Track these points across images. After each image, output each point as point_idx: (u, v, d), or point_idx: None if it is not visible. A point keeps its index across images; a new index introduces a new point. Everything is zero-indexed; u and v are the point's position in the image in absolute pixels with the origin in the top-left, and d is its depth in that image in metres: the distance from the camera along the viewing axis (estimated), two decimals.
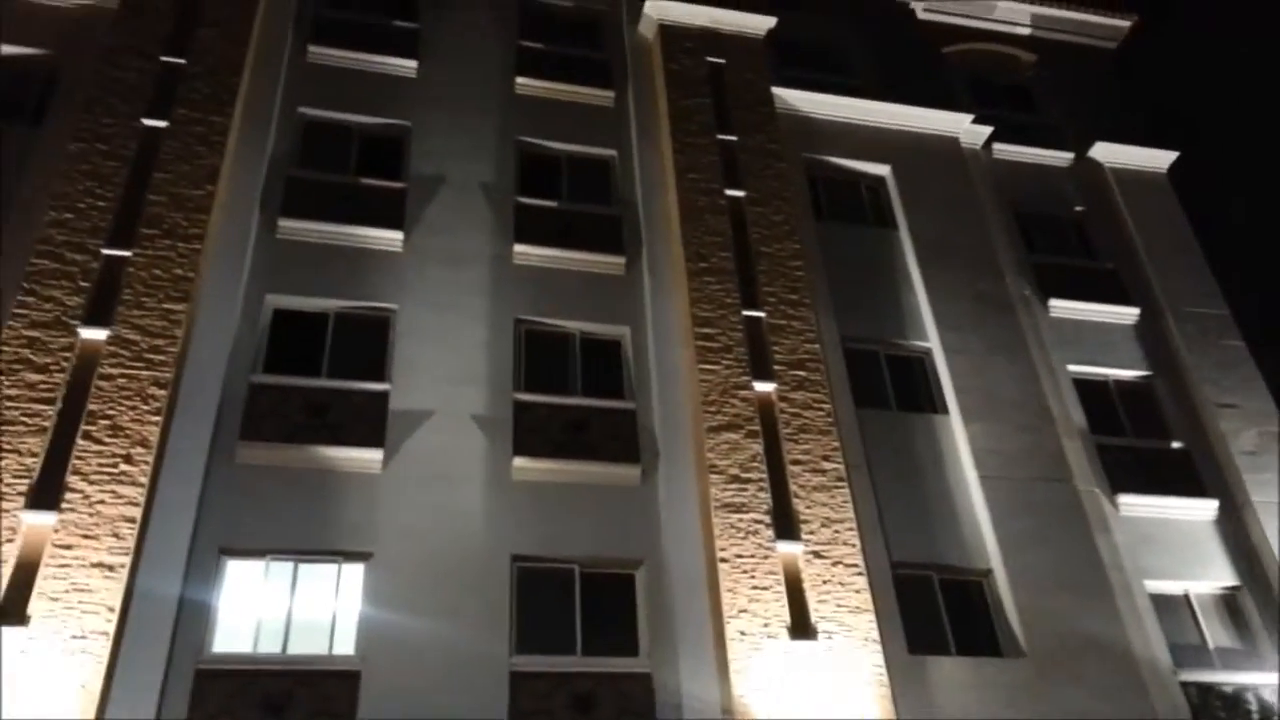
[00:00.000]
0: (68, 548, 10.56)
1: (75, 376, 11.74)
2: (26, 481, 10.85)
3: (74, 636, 10.05)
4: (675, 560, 12.61)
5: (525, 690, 11.38)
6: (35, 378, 11.56)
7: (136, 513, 10.92)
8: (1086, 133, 19.97)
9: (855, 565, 12.74)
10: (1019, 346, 16.15)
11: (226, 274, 13.45)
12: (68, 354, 11.85)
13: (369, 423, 12.72)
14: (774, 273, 15.31)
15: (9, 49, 15.08)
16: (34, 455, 11.03)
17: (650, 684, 11.72)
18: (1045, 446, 14.95)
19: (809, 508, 13.09)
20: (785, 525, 12.87)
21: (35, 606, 10.15)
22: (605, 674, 11.73)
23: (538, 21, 18.40)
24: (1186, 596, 14.41)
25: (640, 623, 12.26)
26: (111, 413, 11.52)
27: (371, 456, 12.51)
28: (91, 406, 11.51)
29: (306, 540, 11.94)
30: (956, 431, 14.97)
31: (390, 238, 14.57)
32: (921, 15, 21.36)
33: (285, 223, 14.32)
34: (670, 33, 18.04)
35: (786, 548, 12.66)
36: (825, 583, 12.51)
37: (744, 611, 12.00)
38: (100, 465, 11.13)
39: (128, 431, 11.42)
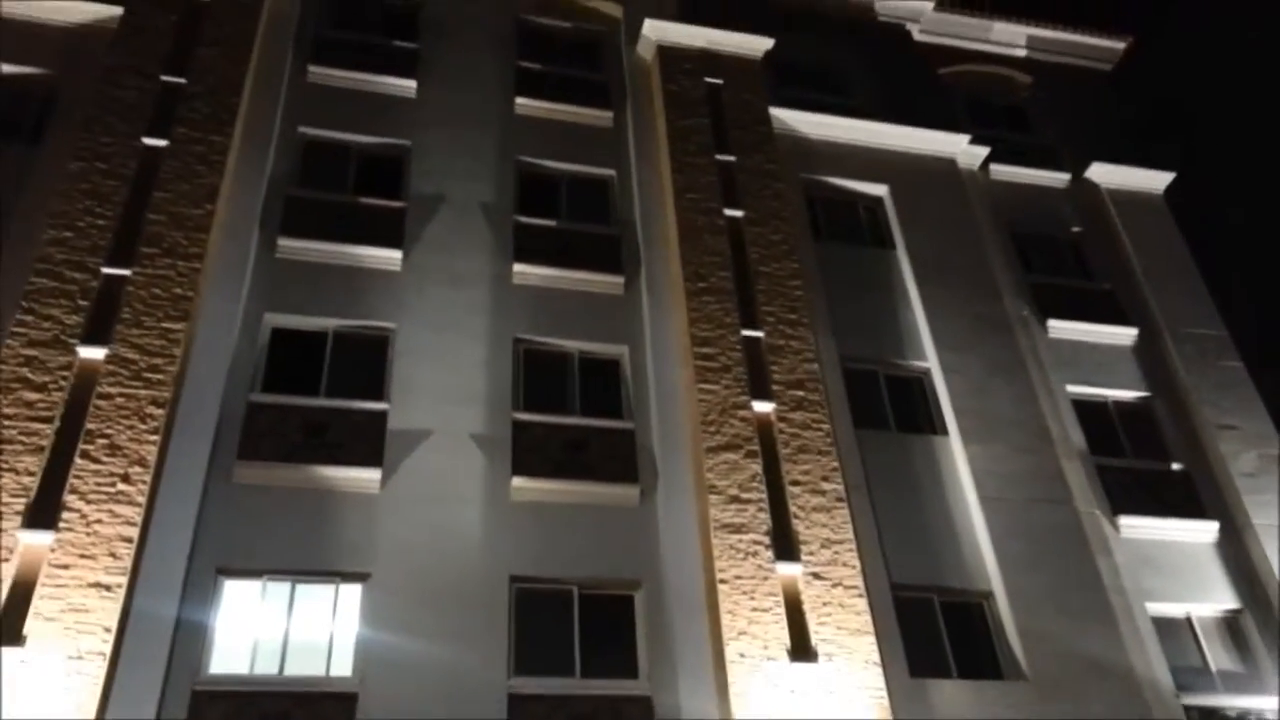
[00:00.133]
0: (65, 567, 10.50)
1: (73, 395, 11.71)
2: (24, 501, 10.80)
3: (70, 657, 9.98)
4: (674, 581, 12.56)
5: (523, 712, 11.30)
6: (33, 396, 11.52)
7: (134, 532, 10.87)
8: (1083, 154, 20.07)
9: (855, 587, 12.69)
10: (1018, 367, 16.16)
11: (225, 293, 13.43)
12: (66, 373, 11.82)
13: (367, 442, 12.68)
14: (773, 292, 15.32)
15: (8, 68, 15.13)
16: (31, 474, 10.99)
17: (649, 706, 11.65)
18: (1045, 467, 14.94)
19: (808, 529, 13.05)
20: (785, 546, 12.83)
21: (31, 626, 10.08)
22: (604, 696, 11.66)
23: (537, 43, 18.50)
24: (1188, 619, 14.36)
25: (639, 644, 12.19)
26: (109, 432, 11.48)
27: (370, 476, 12.47)
28: (89, 425, 11.48)
29: (304, 560, 11.88)
30: (956, 452, 14.96)
31: (389, 257, 14.58)
32: (918, 37, 21.49)
33: (284, 242, 14.32)
34: (668, 54, 18.13)
35: (786, 569, 12.61)
36: (825, 604, 12.46)
37: (744, 633, 11.94)
38: (98, 484, 11.09)
39: (125, 451, 11.38)
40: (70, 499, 10.92)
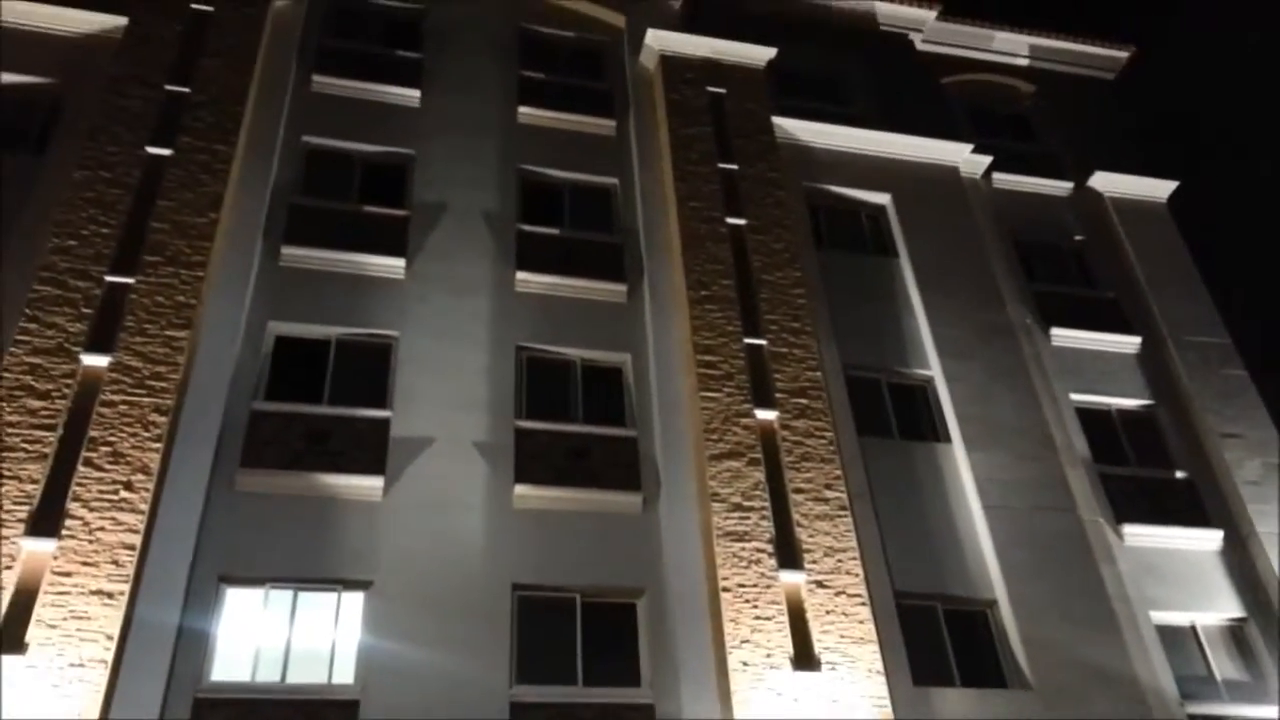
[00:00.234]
0: (67, 575, 10.50)
1: (77, 403, 11.73)
2: (26, 508, 10.81)
3: (72, 664, 9.98)
4: (677, 589, 12.53)
5: None
6: (37, 404, 11.54)
7: (136, 540, 10.87)
8: (1086, 162, 20.09)
9: (859, 595, 12.67)
10: (1021, 375, 16.14)
11: (229, 301, 13.45)
12: (69, 381, 11.84)
13: (370, 450, 12.68)
14: (775, 300, 15.33)
15: (13, 77, 15.20)
16: (34, 482, 10.99)
17: (652, 715, 11.62)
18: (1048, 475, 14.91)
19: (811, 536, 13.03)
20: (788, 554, 12.81)
21: (33, 634, 10.08)
22: (607, 704, 11.64)
23: (540, 52, 18.56)
24: (1192, 628, 14.32)
25: (642, 652, 12.17)
26: (112, 439, 11.49)
27: (372, 484, 12.47)
28: (93, 433, 11.49)
29: (306, 568, 11.87)
30: (959, 460, 14.93)
31: (392, 265, 14.60)
32: (921, 46, 21.53)
33: (288, 250, 14.35)
34: (671, 63, 18.17)
35: (789, 577, 12.59)
36: (828, 613, 12.43)
37: (746, 642, 11.91)
38: (100, 492, 11.09)
39: (128, 458, 11.39)
40: (73, 506, 10.93)
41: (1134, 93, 23.60)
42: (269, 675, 11.18)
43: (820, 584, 12.63)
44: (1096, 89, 22.42)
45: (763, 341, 14.78)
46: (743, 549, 12.65)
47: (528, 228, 15.64)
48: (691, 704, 11.63)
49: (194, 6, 15.97)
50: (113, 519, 10.93)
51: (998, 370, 16.01)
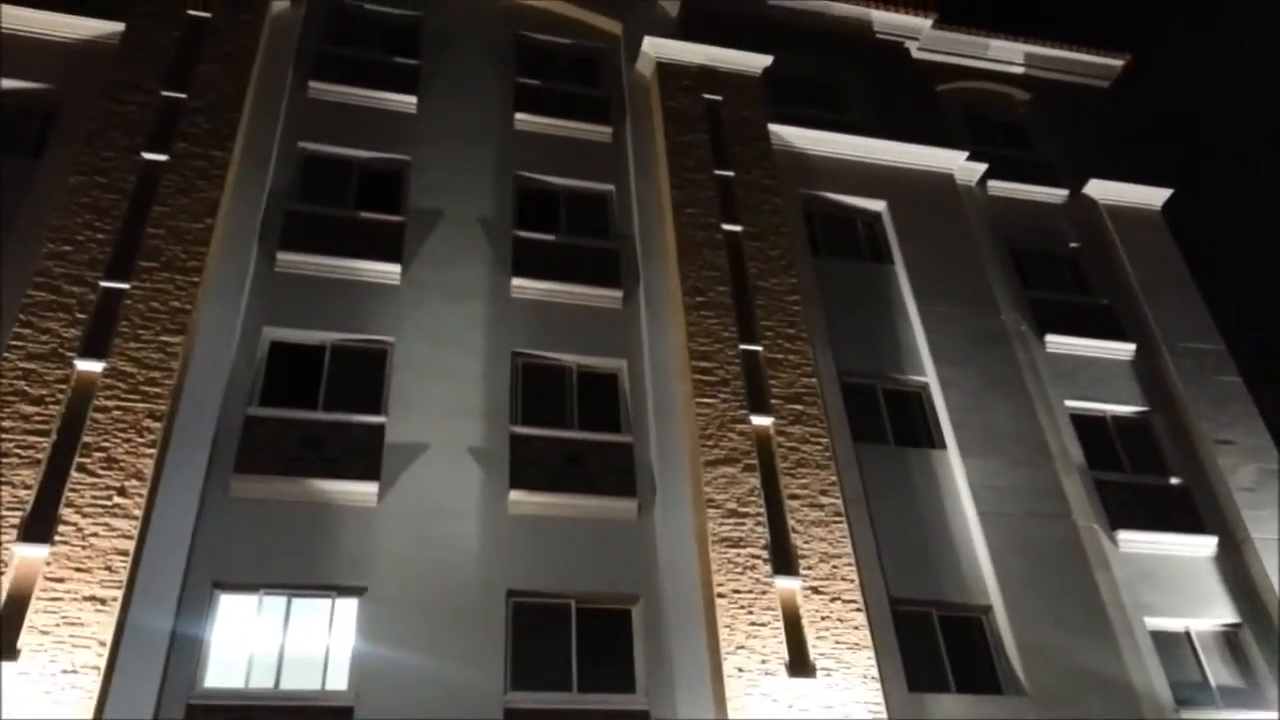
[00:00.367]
0: (60, 581, 10.47)
1: (71, 409, 11.71)
2: (19, 514, 10.78)
3: (65, 671, 9.95)
4: (672, 595, 12.51)
5: None
6: (30, 409, 11.52)
7: (130, 546, 10.85)
8: (1081, 169, 20.12)
9: (854, 601, 12.66)
10: (1016, 382, 16.15)
11: (224, 307, 13.45)
12: (63, 386, 11.82)
13: (365, 456, 12.67)
14: (771, 307, 15.34)
15: (10, 83, 15.21)
16: (28, 487, 10.97)
17: None
18: (1044, 482, 14.91)
19: (807, 543, 13.02)
20: (783, 560, 12.80)
21: (26, 640, 10.05)
22: (602, 711, 11.62)
23: (537, 59, 18.60)
24: (1187, 634, 14.31)
25: (637, 659, 12.14)
26: (106, 445, 11.47)
27: (367, 490, 12.45)
28: (86, 439, 11.47)
29: (300, 574, 11.84)
30: (954, 466, 14.93)
31: (388, 271, 14.60)
32: (916, 54, 21.57)
33: (284, 256, 14.35)
34: (668, 70, 18.21)
35: (784, 583, 12.58)
36: (824, 619, 12.42)
37: (742, 648, 11.90)
38: (94, 498, 11.07)
39: (122, 464, 11.37)
40: (66, 512, 10.91)
41: (1129, 101, 23.67)
42: (263, 681, 11.14)
43: (815, 590, 12.62)
44: (1091, 97, 22.46)
45: (758, 348, 14.79)
46: (738, 555, 12.64)
47: (524, 234, 15.65)
48: (686, 710, 11.60)
49: (191, 13, 15.99)
50: (106, 525, 10.91)
51: (993, 377, 16.02)
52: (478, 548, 12.45)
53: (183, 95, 14.95)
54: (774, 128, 18.14)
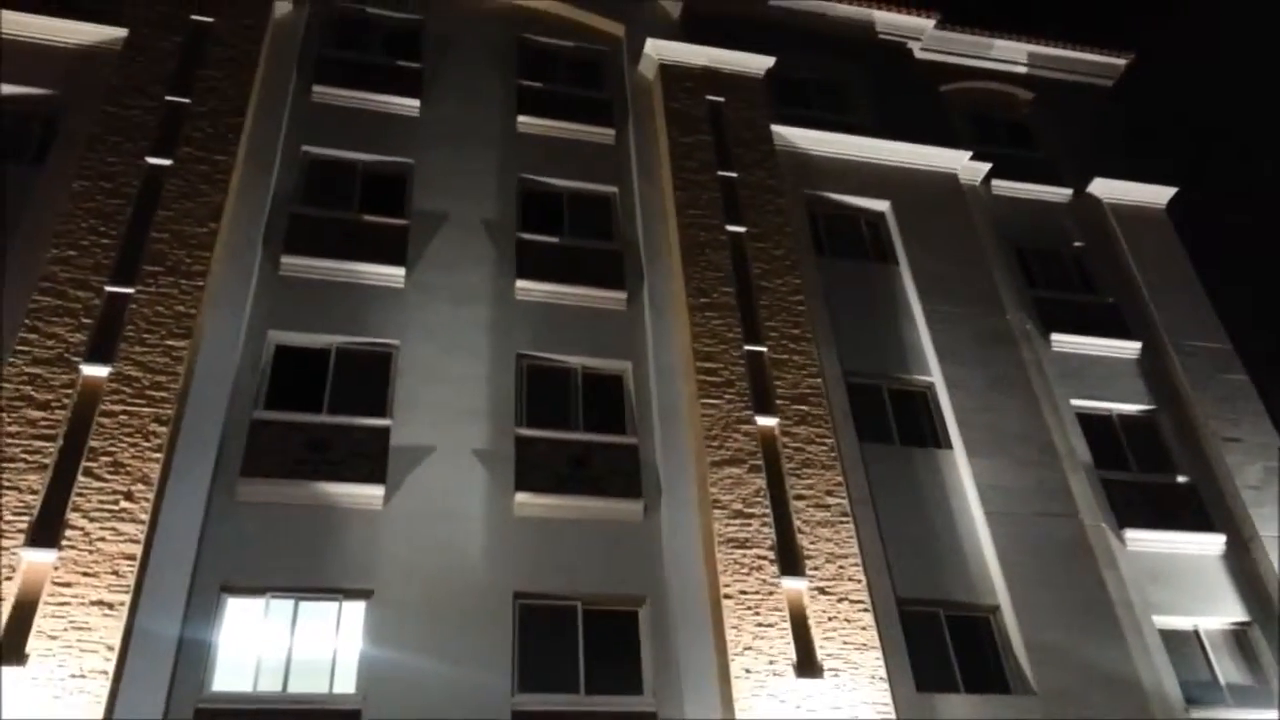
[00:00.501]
0: (67, 585, 10.48)
1: (77, 413, 11.72)
2: (27, 519, 10.79)
3: (73, 675, 9.95)
4: (679, 597, 12.50)
5: None
6: (36, 414, 11.53)
7: (137, 550, 10.86)
8: (1085, 169, 20.10)
9: (861, 601, 12.64)
10: (1022, 381, 16.13)
11: (229, 310, 13.45)
12: (69, 391, 11.83)
13: (370, 459, 12.67)
14: (775, 307, 15.33)
15: (13, 88, 15.20)
16: (34, 492, 10.98)
17: None
18: (1050, 481, 14.88)
19: (813, 543, 13.00)
20: (789, 561, 12.79)
21: (34, 645, 10.06)
22: (609, 712, 11.60)
23: (539, 61, 18.61)
24: (1195, 632, 14.27)
25: (644, 660, 12.13)
26: (113, 449, 11.48)
27: (373, 493, 12.45)
28: (93, 443, 11.48)
29: (307, 577, 11.84)
30: (961, 466, 14.91)
31: (392, 274, 14.61)
32: (920, 54, 21.56)
33: (288, 259, 14.36)
34: (671, 72, 18.22)
35: (791, 584, 12.56)
36: (831, 619, 12.40)
37: (749, 649, 11.88)
38: (101, 502, 11.08)
39: (129, 468, 11.38)
40: (73, 517, 10.92)
41: (1133, 99, 23.65)
42: (270, 685, 11.14)
43: (822, 590, 12.61)
44: (1095, 96, 22.44)
45: (763, 348, 14.78)
46: (744, 556, 12.62)
47: (528, 236, 15.65)
48: (694, 711, 11.58)
49: (194, 18, 16.01)
50: (113, 529, 10.92)
51: (998, 376, 16.00)
52: (484, 550, 12.44)
53: (186, 100, 14.97)
54: (777, 129, 18.14)
